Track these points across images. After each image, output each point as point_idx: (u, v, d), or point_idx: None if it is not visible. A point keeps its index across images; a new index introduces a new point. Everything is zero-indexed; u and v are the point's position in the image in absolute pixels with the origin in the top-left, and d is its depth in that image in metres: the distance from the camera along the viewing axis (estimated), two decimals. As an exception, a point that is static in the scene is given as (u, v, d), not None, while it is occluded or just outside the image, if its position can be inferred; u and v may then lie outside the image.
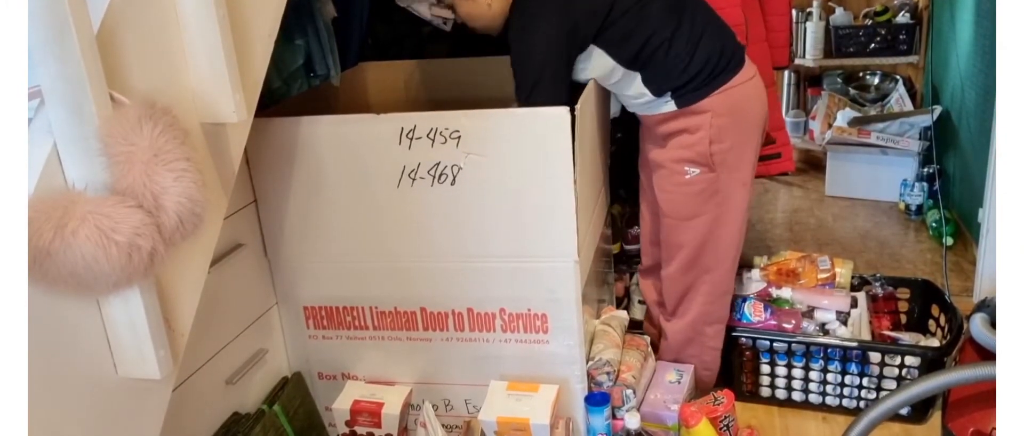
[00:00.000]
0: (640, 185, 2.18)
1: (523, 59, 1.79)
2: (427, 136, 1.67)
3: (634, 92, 1.89)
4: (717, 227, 1.95)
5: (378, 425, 1.83)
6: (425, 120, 1.67)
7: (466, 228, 1.74)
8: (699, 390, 2.14)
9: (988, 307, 1.99)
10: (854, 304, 2.25)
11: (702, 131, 1.85)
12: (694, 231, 1.96)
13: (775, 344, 2.12)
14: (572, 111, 1.63)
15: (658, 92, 1.85)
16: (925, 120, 3.42)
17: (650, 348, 2.12)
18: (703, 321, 2.08)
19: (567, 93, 1.82)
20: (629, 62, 1.83)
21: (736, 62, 1.87)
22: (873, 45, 3.91)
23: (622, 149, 2.27)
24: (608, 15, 1.78)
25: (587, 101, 1.80)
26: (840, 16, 3.98)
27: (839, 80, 4.08)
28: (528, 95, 1.76)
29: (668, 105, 1.87)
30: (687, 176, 1.90)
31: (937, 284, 2.39)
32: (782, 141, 2.49)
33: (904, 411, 2.05)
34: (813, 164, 4.07)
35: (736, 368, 2.21)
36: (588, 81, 1.89)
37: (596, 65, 1.85)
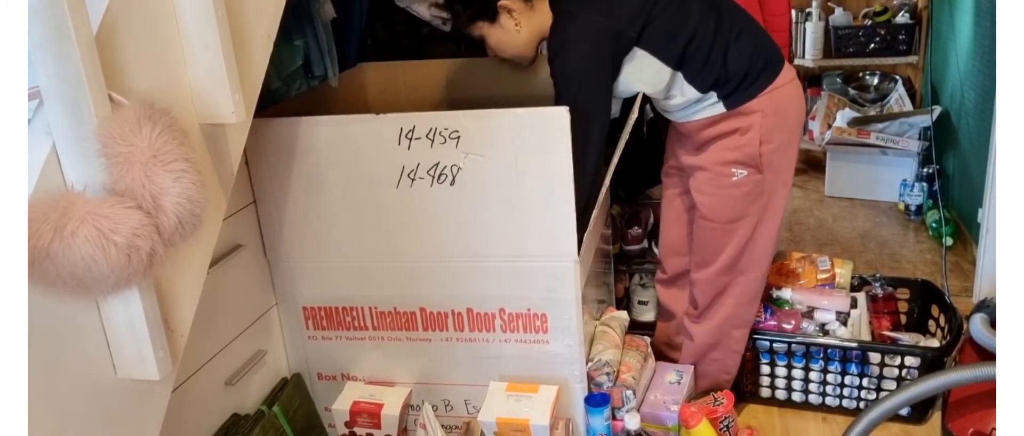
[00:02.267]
0: (664, 194, 2.16)
1: (566, 76, 1.75)
2: (426, 136, 1.67)
3: (681, 97, 1.86)
4: (759, 229, 1.93)
5: (378, 426, 1.83)
6: (425, 120, 1.67)
7: (466, 228, 1.74)
8: (708, 393, 2.12)
9: (988, 307, 1.99)
10: (854, 304, 2.25)
11: (753, 131, 1.83)
12: (738, 234, 1.93)
13: (775, 345, 2.12)
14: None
15: (704, 89, 1.83)
16: (925, 120, 3.42)
17: (650, 349, 2.12)
18: (731, 324, 2.05)
19: (609, 105, 1.81)
20: (676, 61, 1.80)
21: (777, 61, 1.86)
22: (872, 45, 3.91)
23: (625, 151, 2.27)
24: (649, 14, 1.76)
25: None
26: (839, 16, 3.98)
27: (838, 80, 4.08)
28: (573, 102, 1.68)
29: (716, 108, 1.85)
30: (735, 178, 1.87)
31: (937, 284, 2.39)
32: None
33: (904, 411, 2.05)
34: (813, 164, 4.07)
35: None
36: (636, 93, 1.87)
37: (642, 68, 1.81)
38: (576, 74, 1.75)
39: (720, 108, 1.85)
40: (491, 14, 1.81)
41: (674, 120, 1.97)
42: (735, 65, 1.81)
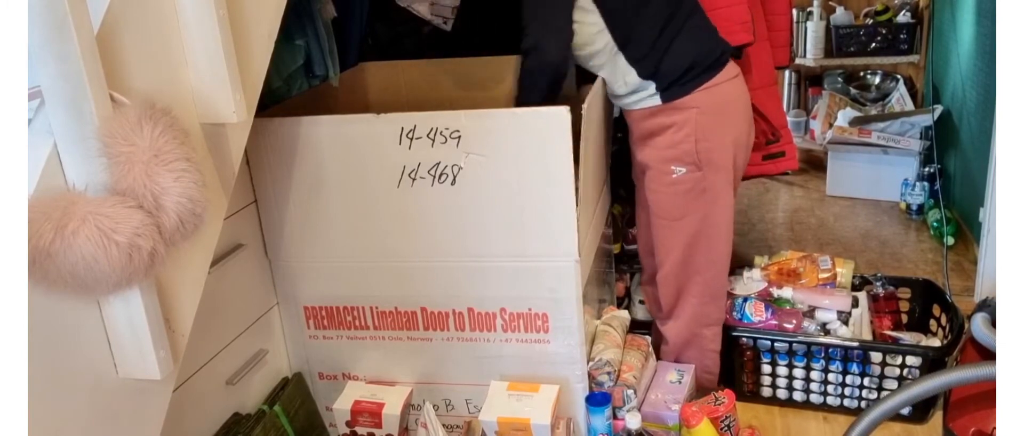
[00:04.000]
0: (636, 195, 2.18)
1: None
2: (427, 136, 1.67)
3: (621, 80, 1.88)
4: (706, 227, 1.95)
5: (379, 425, 1.83)
6: (425, 120, 1.67)
7: (466, 228, 1.74)
8: (699, 393, 2.14)
9: (989, 307, 1.99)
10: (855, 304, 2.25)
11: (688, 128, 1.85)
12: (684, 232, 1.96)
13: (776, 344, 2.12)
14: (577, 111, 1.63)
15: (643, 75, 1.84)
16: (926, 119, 3.42)
17: (651, 348, 2.12)
18: (698, 323, 2.08)
19: (569, 20, 1.81)
20: (622, 38, 1.82)
21: (721, 60, 1.89)
22: (874, 45, 3.91)
23: (623, 149, 2.27)
24: None
25: (593, 101, 1.80)
26: (841, 15, 3.97)
27: (840, 80, 4.07)
28: (530, 22, 1.76)
29: (653, 99, 1.87)
30: (674, 175, 1.90)
31: (938, 284, 2.39)
32: (786, 139, 2.48)
33: (905, 411, 2.05)
34: (814, 164, 4.07)
35: (737, 368, 2.21)
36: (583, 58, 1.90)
37: (585, 21, 1.82)
38: None
39: (656, 100, 1.86)
40: None
41: (622, 107, 1.99)
42: (677, 61, 1.83)
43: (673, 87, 1.85)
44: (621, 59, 1.86)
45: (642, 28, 1.82)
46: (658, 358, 2.20)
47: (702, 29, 1.90)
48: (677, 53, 1.83)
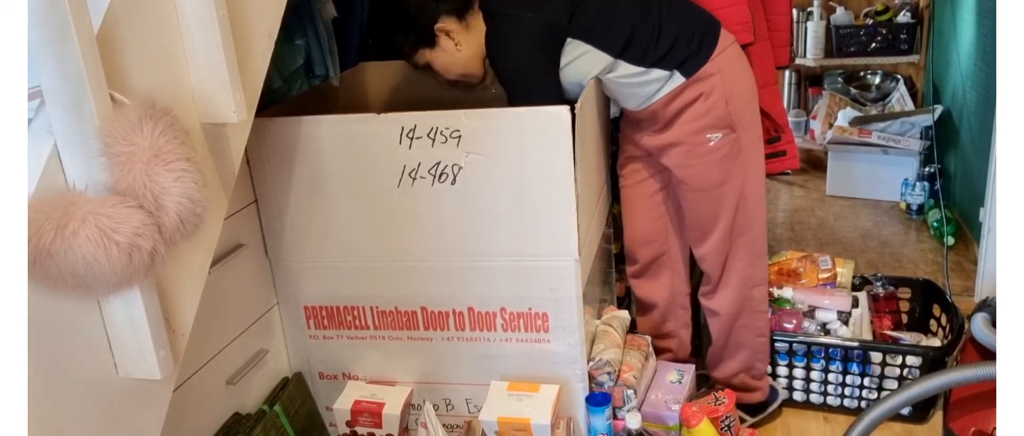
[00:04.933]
0: (623, 187, 2.16)
1: (512, 77, 1.82)
2: (428, 135, 1.67)
3: (635, 82, 1.87)
4: (747, 186, 1.94)
5: (379, 425, 1.83)
6: (425, 119, 1.67)
7: (467, 227, 1.74)
8: (757, 360, 2.11)
9: (989, 307, 1.99)
10: (855, 304, 2.25)
11: (717, 93, 1.85)
12: (729, 197, 1.94)
13: (776, 344, 2.12)
14: (573, 110, 1.63)
15: (652, 65, 1.84)
16: (926, 119, 3.42)
17: (651, 348, 2.12)
18: (748, 285, 2.04)
19: (561, 92, 1.84)
20: (618, 49, 1.83)
21: (715, 25, 1.91)
22: (874, 44, 3.91)
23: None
24: (576, 7, 1.81)
25: (587, 100, 1.80)
26: (841, 15, 3.97)
27: (840, 80, 4.07)
28: (528, 100, 1.74)
29: (674, 80, 1.86)
30: (711, 143, 1.89)
31: (938, 284, 2.39)
32: (787, 139, 2.48)
33: (905, 411, 2.05)
34: (814, 164, 4.07)
35: (737, 368, 2.21)
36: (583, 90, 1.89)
37: (580, 59, 1.83)
38: (519, 73, 1.81)
39: (679, 79, 1.86)
40: (430, 40, 1.86)
41: (634, 108, 1.97)
42: (679, 36, 1.83)
43: (688, 61, 1.84)
44: (623, 66, 1.85)
45: (626, 26, 1.82)
46: (699, 342, 2.18)
47: (684, 5, 1.91)
48: (673, 29, 1.83)
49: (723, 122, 1.87)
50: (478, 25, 1.86)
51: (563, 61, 1.84)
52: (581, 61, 1.85)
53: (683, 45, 1.84)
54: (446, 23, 1.84)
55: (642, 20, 1.83)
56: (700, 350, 2.23)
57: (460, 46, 1.86)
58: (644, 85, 1.88)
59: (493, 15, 1.84)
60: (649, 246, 2.15)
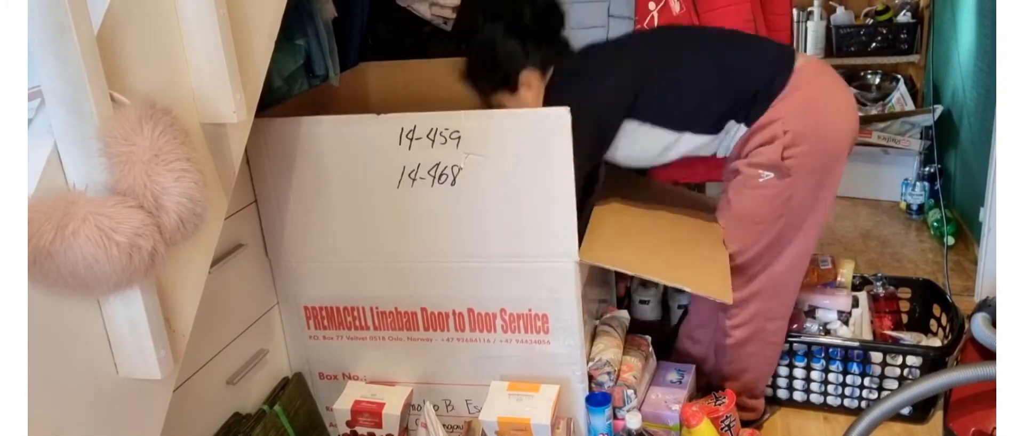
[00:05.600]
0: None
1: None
2: (427, 136, 1.67)
3: (703, 150, 1.89)
4: (785, 234, 1.89)
5: (379, 425, 1.83)
6: (425, 120, 1.67)
7: (466, 228, 1.74)
8: (758, 382, 2.09)
9: (989, 307, 1.99)
10: (855, 304, 2.25)
11: (777, 142, 1.80)
12: (764, 237, 1.89)
13: (776, 344, 2.11)
14: (572, 111, 1.63)
15: (717, 127, 1.84)
16: (926, 119, 3.42)
17: (651, 348, 2.11)
18: (763, 316, 1.99)
19: (603, 146, 1.87)
20: (680, 124, 1.84)
21: (785, 67, 1.83)
22: (874, 44, 3.91)
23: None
24: (641, 84, 1.81)
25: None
26: (841, 15, 3.97)
27: (840, 80, 4.07)
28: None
29: (739, 130, 1.85)
30: (761, 180, 1.85)
31: (938, 284, 2.39)
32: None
33: (905, 411, 2.05)
34: (814, 164, 4.06)
35: (737, 368, 2.21)
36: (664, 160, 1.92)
37: (637, 138, 1.86)
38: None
39: (742, 129, 1.84)
40: (513, 86, 1.88)
41: (718, 155, 1.96)
42: (738, 95, 1.81)
43: (744, 111, 1.82)
44: (690, 137, 1.86)
45: (693, 105, 1.82)
46: (677, 356, 2.17)
47: (750, 48, 1.88)
48: (717, 88, 1.82)
49: (774, 166, 1.82)
50: (549, 74, 1.90)
51: (622, 139, 1.85)
52: (636, 138, 1.86)
53: (743, 100, 1.81)
54: (530, 75, 1.87)
55: (707, 90, 1.81)
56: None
57: (534, 91, 1.89)
58: (719, 143, 1.88)
59: (562, 74, 1.88)
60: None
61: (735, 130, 1.86)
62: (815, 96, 1.83)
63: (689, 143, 1.88)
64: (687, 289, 1.75)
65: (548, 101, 1.87)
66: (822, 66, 1.91)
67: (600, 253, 1.75)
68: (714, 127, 1.85)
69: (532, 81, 1.88)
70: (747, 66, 1.84)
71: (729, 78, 1.83)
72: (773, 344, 2.06)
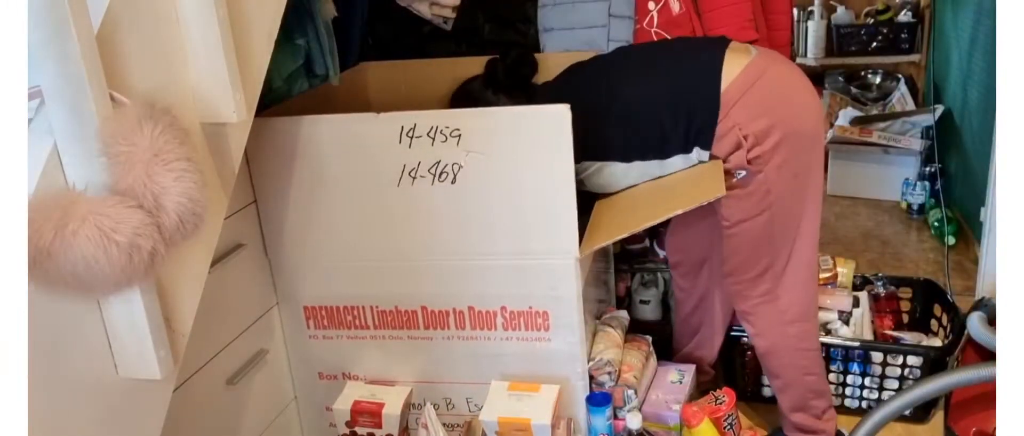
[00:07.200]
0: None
1: None
2: (427, 135, 1.67)
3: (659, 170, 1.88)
4: (775, 225, 1.86)
5: (379, 425, 1.83)
6: (425, 119, 1.67)
7: (467, 226, 1.74)
8: (810, 398, 2.00)
9: (985, 306, 1.99)
10: (856, 304, 2.25)
11: (742, 147, 1.78)
12: (750, 234, 1.87)
13: (776, 343, 2.11)
14: (573, 110, 1.63)
15: (682, 149, 1.83)
16: (927, 119, 3.42)
17: (652, 348, 2.11)
18: (781, 320, 1.95)
19: None
20: (631, 149, 1.85)
21: (714, 77, 1.80)
22: (875, 44, 3.91)
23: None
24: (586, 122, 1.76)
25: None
26: (841, 15, 3.98)
27: (841, 79, 4.07)
28: None
29: (701, 156, 1.83)
30: (735, 179, 1.82)
31: (939, 283, 2.39)
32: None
33: (906, 411, 2.04)
34: (815, 163, 4.06)
35: (737, 368, 2.21)
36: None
37: (606, 176, 1.89)
38: None
39: (704, 155, 1.82)
40: None
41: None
42: (683, 120, 1.80)
43: (695, 141, 1.81)
44: (657, 164, 1.86)
45: (644, 124, 1.82)
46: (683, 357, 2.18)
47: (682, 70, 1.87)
48: (677, 115, 1.81)
49: (743, 167, 1.80)
50: None
51: (580, 175, 1.84)
52: (598, 175, 1.89)
53: (679, 132, 1.81)
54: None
55: (651, 119, 1.82)
56: (730, 377, 2.22)
57: None
58: (670, 166, 1.87)
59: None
60: (686, 252, 2.15)
61: (699, 154, 1.84)
62: (766, 94, 1.79)
63: (657, 168, 1.87)
64: (680, 210, 1.71)
65: None
66: (767, 60, 1.84)
67: (596, 237, 1.75)
68: (682, 148, 1.84)
69: None
70: (686, 90, 1.83)
71: (673, 109, 1.82)
72: (803, 351, 1.95)
